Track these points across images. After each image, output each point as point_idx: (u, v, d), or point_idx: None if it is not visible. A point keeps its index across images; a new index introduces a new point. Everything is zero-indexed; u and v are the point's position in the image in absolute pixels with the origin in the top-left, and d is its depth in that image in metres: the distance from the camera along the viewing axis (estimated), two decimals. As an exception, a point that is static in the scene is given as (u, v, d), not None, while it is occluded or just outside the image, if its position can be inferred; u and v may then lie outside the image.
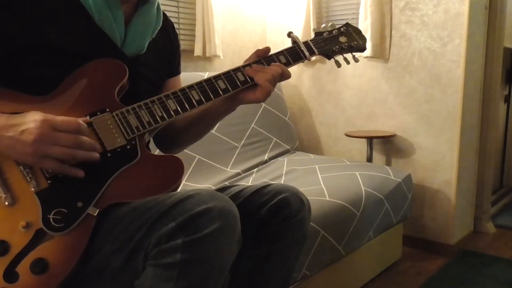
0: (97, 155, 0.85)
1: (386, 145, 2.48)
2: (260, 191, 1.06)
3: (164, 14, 1.11)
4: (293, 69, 2.99)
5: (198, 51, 2.36)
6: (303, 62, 1.11)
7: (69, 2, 0.93)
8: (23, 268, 0.79)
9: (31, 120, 0.80)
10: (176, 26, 2.39)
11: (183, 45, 2.37)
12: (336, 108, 2.66)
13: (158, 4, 1.06)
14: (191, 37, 2.41)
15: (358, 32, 1.21)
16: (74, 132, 0.82)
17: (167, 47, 1.13)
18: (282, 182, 1.93)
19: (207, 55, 2.38)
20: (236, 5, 2.68)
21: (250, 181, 2.01)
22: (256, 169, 2.18)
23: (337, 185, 1.85)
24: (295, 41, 1.10)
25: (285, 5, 2.78)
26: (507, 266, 2.19)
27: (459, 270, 2.15)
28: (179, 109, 0.95)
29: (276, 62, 1.05)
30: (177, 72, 1.18)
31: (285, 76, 1.03)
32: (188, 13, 2.42)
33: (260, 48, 1.05)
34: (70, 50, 0.91)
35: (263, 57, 1.05)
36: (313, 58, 1.15)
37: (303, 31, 2.56)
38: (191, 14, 2.42)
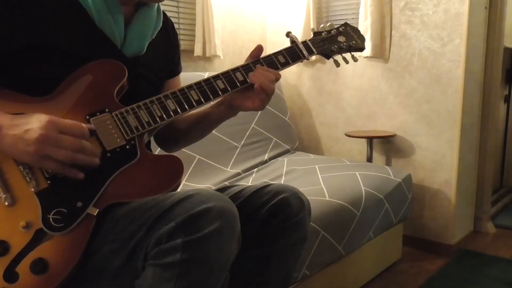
0: (97, 160, 0.85)
1: (386, 145, 2.49)
2: (260, 191, 1.06)
3: (165, 14, 1.11)
4: (293, 69, 2.98)
5: (198, 51, 2.36)
6: (301, 62, 1.10)
7: (69, 3, 0.93)
8: (23, 268, 0.79)
9: (37, 120, 0.80)
10: (176, 26, 2.38)
11: (183, 45, 2.37)
12: (336, 108, 2.66)
13: (158, 5, 1.06)
14: (191, 37, 2.41)
15: (357, 31, 1.21)
16: (78, 136, 0.82)
17: (167, 48, 1.13)
18: (282, 182, 1.93)
19: (207, 55, 2.38)
20: (236, 5, 2.68)
21: (250, 181, 2.01)
22: (256, 169, 2.18)
23: (337, 185, 1.85)
24: (293, 41, 1.10)
25: (285, 5, 2.78)
26: (507, 266, 2.19)
27: (459, 270, 2.15)
28: (178, 109, 0.95)
29: (275, 62, 1.05)
30: (176, 72, 1.18)
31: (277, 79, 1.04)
32: (188, 13, 2.42)
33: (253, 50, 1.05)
34: (70, 51, 0.91)
35: (258, 56, 1.05)
36: (312, 58, 1.15)
37: (303, 31, 2.56)
38: (191, 14, 2.42)
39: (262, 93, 1.00)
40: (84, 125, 0.84)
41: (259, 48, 1.05)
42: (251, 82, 1.00)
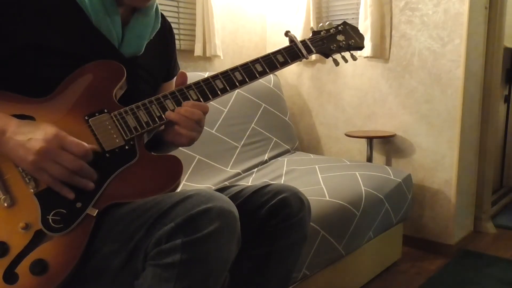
0: (92, 185, 0.85)
1: (386, 145, 2.48)
2: (260, 191, 1.06)
3: (163, 16, 1.11)
4: (293, 69, 2.98)
5: (198, 51, 2.36)
6: (300, 61, 1.10)
7: (67, 3, 0.93)
8: (22, 269, 0.79)
9: (43, 131, 0.81)
10: (176, 26, 2.36)
11: (183, 45, 2.37)
12: (336, 108, 2.66)
13: (156, 6, 1.06)
14: (191, 37, 2.41)
15: (356, 30, 1.21)
16: (79, 156, 0.82)
17: (164, 49, 1.13)
18: (282, 182, 1.93)
19: (207, 55, 2.38)
20: (236, 5, 2.68)
21: (250, 181, 2.01)
22: (256, 169, 2.18)
23: (337, 185, 1.85)
24: (292, 40, 1.10)
25: (285, 5, 2.78)
26: (507, 266, 2.19)
27: (459, 270, 2.15)
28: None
29: (274, 61, 1.04)
30: (173, 75, 1.17)
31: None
32: (188, 13, 2.42)
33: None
34: (68, 51, 0.91)
35: (184, 83, 0.99)
36: (312, 57, 1.15)
37: (303, 31, 2.56)
38: (191, 14, 2.42)
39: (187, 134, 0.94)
40: (88, 146, 0.84)
41: (182, 75, 0.99)
42: (173, 121, 0.94)
